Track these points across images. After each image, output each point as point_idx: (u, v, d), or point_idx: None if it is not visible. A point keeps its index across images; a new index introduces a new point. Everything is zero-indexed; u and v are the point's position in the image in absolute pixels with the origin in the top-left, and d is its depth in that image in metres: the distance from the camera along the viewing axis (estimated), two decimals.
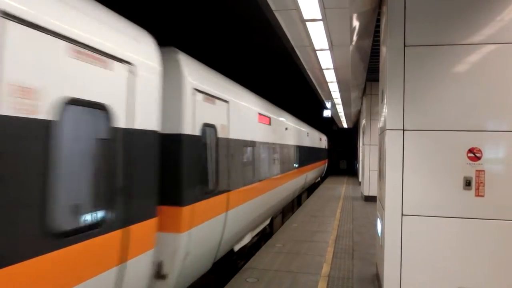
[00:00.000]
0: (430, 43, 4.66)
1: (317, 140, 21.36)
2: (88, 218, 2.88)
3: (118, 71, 3.14)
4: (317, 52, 8.01)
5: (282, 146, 10.90)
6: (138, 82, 3.40)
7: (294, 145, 12.87)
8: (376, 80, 7.01)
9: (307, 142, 16.33)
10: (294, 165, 12.92)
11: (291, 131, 12.68)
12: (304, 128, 16.02)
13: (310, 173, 17.26)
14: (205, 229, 4.92)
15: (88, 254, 2.81)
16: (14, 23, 2.22)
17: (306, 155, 15.69)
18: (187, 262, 4.52)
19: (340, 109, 19.67)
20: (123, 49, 3.22)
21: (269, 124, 9.05)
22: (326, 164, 28.46)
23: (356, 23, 6.55)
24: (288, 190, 11.62)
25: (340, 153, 42.91)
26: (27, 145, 2.32)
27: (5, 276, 2.18)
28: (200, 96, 4.80)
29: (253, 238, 7.97)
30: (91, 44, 2.84)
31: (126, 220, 3.24)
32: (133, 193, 3.34)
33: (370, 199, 14.54)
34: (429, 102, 4.65)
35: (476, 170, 4.47)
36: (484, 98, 4.50)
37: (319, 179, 24.02)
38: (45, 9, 2.49)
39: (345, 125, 30.80)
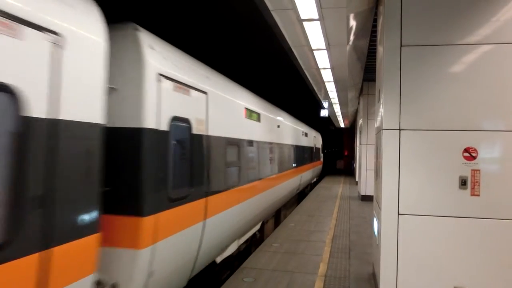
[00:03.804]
0: (427, 43, 4.68)
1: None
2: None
3: (33, 42, 2.42)
4: (314, 51, 8.02)
5: (280, 145, 10.88)
6: (68, 58, 2.69)
7: (289, 144, 12.86)
8: (373, 79, 7.03)
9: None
10: (293, 164, 12.91)
11: (290, 130, 12.39)
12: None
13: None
14: (175, 242, 4.17)
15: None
16: None
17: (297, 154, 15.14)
18: (152, 283, 3.83)
19: (337, 108, 19.71)
20: (40, 12, 2.49)
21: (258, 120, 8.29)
22: (321, 166, 28.24)
23: (353, 23, 6.56)
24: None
25: (337, 152, 42.99)
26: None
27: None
28: (168, 83, 4.16)
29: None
30: None
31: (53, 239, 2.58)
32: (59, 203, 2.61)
33: (367, 198, 14.55)
34: (426, 102, 4.67)
35: (472, 170, 4.49)
36: (480, 98, 4.52)
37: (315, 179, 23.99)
38: None
39: (342, 125, 30.90)
